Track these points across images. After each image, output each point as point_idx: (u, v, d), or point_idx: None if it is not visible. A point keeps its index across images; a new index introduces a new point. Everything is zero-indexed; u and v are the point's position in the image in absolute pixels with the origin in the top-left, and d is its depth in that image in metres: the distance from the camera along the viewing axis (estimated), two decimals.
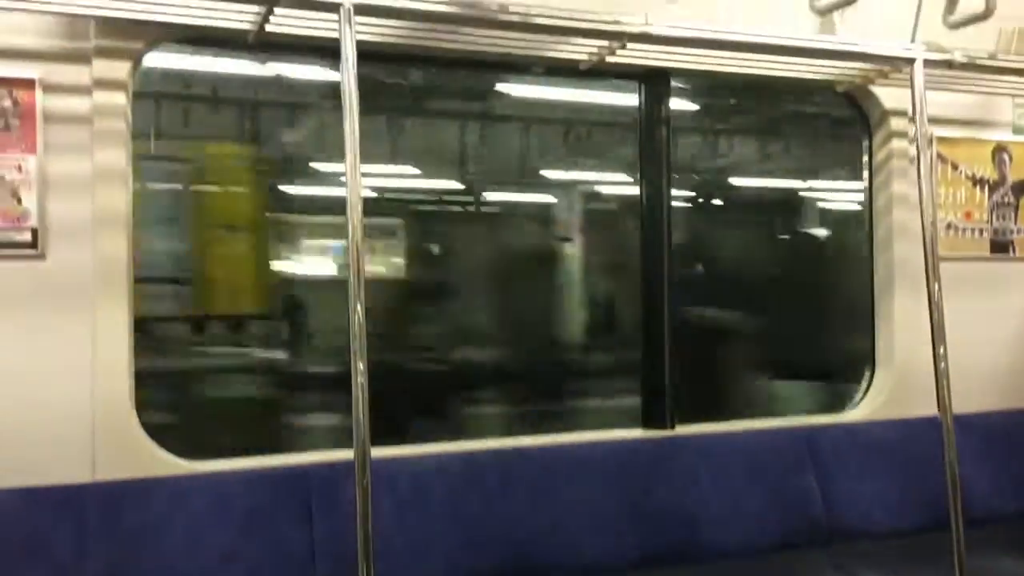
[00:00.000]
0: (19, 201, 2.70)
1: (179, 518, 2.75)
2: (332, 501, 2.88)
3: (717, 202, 5.58)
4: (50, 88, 2.72)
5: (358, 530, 2.45)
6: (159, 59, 3.02)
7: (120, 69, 2.78)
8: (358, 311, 2.48)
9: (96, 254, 2.76)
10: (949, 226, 4.01)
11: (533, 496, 3.15)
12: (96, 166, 2.76)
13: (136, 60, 2.82)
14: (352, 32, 2.56)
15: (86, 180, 2.75)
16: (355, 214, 2.51)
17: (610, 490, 3.26)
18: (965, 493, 3.23)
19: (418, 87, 4.31)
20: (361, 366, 2.46)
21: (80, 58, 2.75)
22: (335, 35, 2.57)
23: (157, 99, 3.81)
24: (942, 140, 3.95)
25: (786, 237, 5.57)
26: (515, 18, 2.87)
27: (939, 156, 3.95)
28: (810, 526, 3.50)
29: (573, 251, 5.17)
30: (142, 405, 2.85)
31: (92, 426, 2.75)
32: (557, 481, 3.20)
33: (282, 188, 4.49)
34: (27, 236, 2.71)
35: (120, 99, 2.79)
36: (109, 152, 2.77)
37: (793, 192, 5.66)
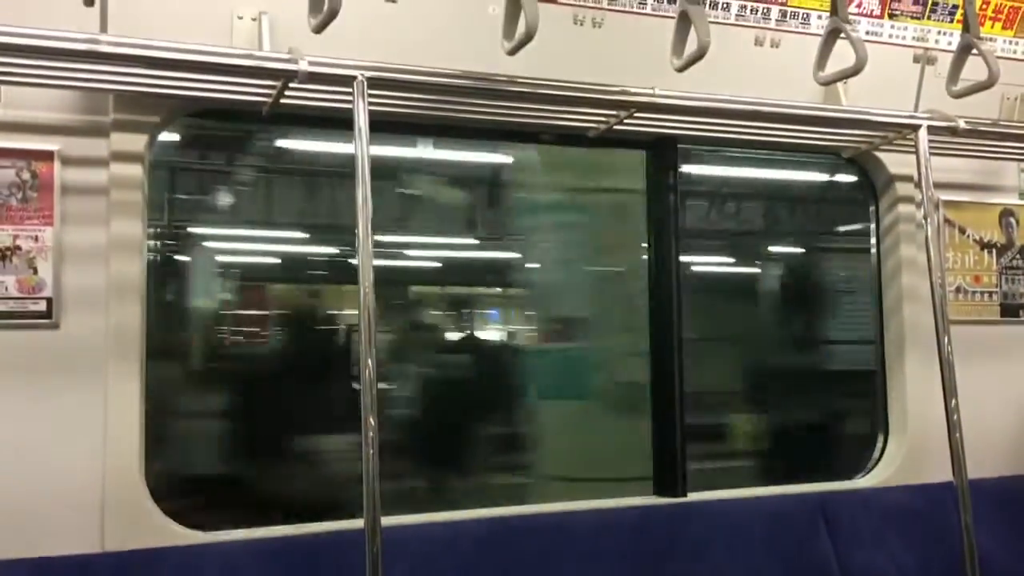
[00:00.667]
0: (35, 271, 2.73)
1: None
2: (343, 571, 2.85)
3: None
4: (68, 160, 2.77)
5: None
6: None
7: (137, 142, 2.83)
8: (369, 367, 2.49)
9: (109, 324, 2.78)
10: (958, 290, 4.01)
11: (546, 566, 3.11)
12: (112, 237, 2.79)
13: (153, 133, 2.87)
14: (365, 104, 2.62)
15: (101, 250, 2.78)
16: (367, 281, 2.54)
17: (624, 558, 3.22)
18: (982, 559, 3.19)
19: None
20: (372, 428, 2.46)
21: (98, 131, 2.80)
22: (349, 107, 2.62)
23: None
24: (949, 204, 3.99)
25: None
26: (525, 89, 2.93)
27: (946, 220, 3.98)
28: None
29: None
30: None
31: (102, 496, 2.74)
32: (570, 550, 3.17)
33: None
34: (42, 306, 2.73)
35: (137, 171, 2.83)
36: (125, 223, 2.81)
37: None
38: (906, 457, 3.82)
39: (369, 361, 2.50)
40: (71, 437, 2.74)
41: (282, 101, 2.81)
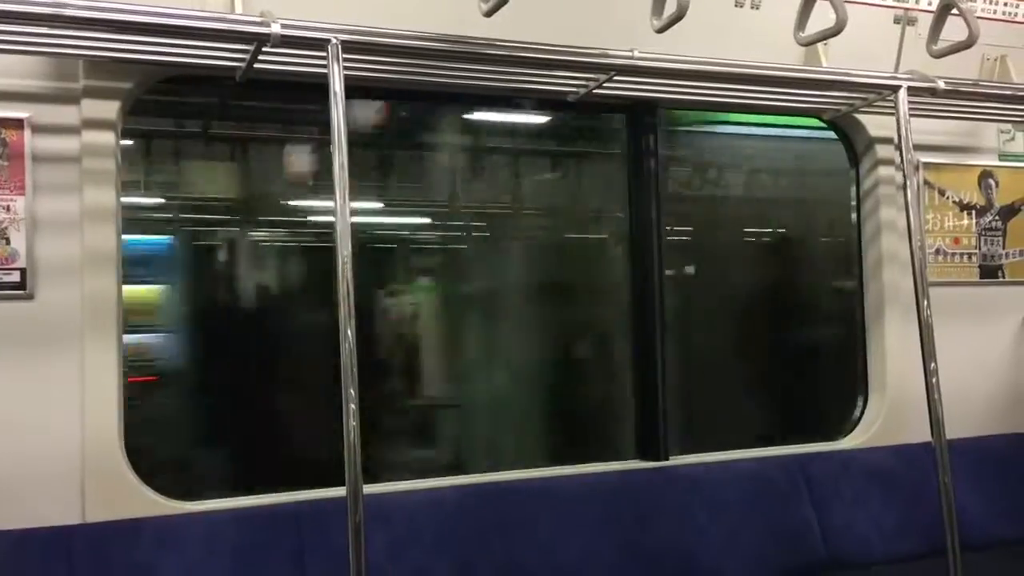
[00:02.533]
0: (7, 242, 2.70)
1: (169, 559, 2.72)
2: (324, 539, 2.86)
3: None
4: (39, 128, 2.73)
5: (351, 568, 2.42)
6: None
7: (109, 109, 2.78)
8: (348, 340, 2.47)
9: (85, 294, 2.75)
10: (938, 252, 4.03)
11: (528, 531, 3.12)
12: (85, 206, 2.75)
13: (125, 100, 2.83)
14: (340, 69, 2.57)
15: (75, 220, 2.75)
16: (344, 248, 2.51)
17: (605, 523, 3.24)
18: (961, 518, 3.23)
19: None
20: (352, 399, 2.45)
21: (69, 98, 2.75)
22: (324, 71, 2.58)
23: None
24: (928, 167, 3.99)
25: None
26: (503, 52, 2.89)
27: (926, 182, 3.99)
28: (808, 556, 3.48)
29: None
30: None
31: (82, 467, 2.72)
32: (552, 514, 3.18)
33: None
34: (15, 277, 2.70)
35: (109, 139, 2.79)
36: (98, 192, 2.77)
37: None
38: (886, 418, 3.85)
39: (349, 332, 2.48)
40: (49, 409, 2.72)
41: (256, 66, 2.77)
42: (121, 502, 2.75)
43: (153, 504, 2.80)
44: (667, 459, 3.53)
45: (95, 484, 2.73)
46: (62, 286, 2.74)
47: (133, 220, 3.02)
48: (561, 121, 3.90)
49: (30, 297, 2.71)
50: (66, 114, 2.75)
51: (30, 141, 2.72)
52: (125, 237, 2.87)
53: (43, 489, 2.69)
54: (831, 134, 4.02)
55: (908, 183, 3.32)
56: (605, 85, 3.19)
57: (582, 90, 3.25)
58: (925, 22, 3.57)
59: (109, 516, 2.72)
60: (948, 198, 4.08)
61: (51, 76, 2.74)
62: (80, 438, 2.72)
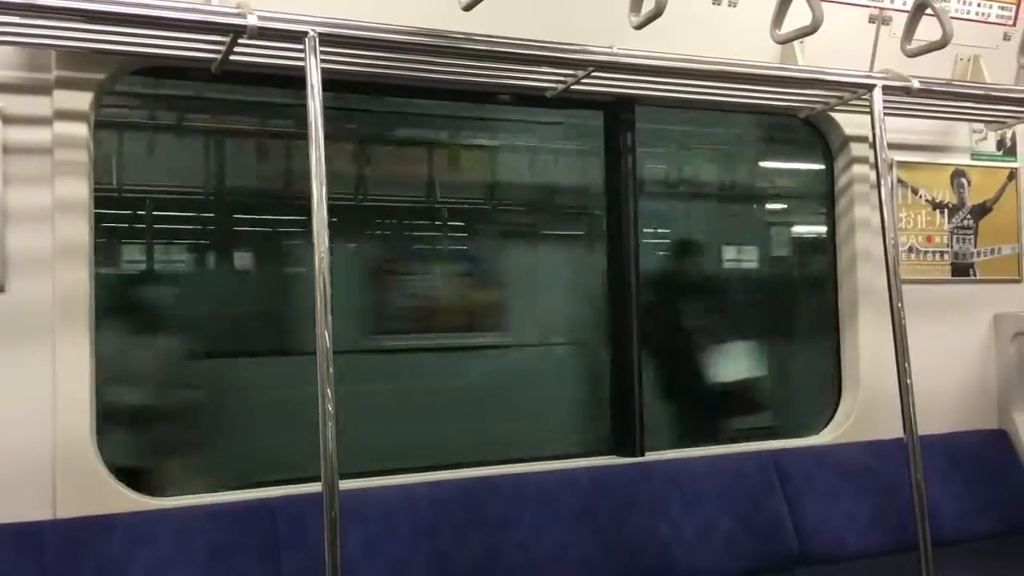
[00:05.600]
0: None
1: (142, 555, 2.69)
2: (299, 535, 2.84)
3: None
4: (10, 119, 2.69)
5: (327, 563, 2.41)
6: None
7: (82, 100, 2.75)
8: (325, 335, 2.46)
9: (57, 287, 2.71)
10: (911, 249, 4.07)
11: (503, 526, 3.12)
12: (57, 198, 2.72)
13: (98, 91, 2.79)
14: (317, 62, 2.56)
15: (47, 212, 2.71)
16: (321, 242, 2.49)
17: (582, 517, 3.25)
18: (932, 513, 3.27)
19: None
20: (329, 393, 2.43)
21: (41, 89, 2.72)
22: (301, 64, 2.56)
23: None
24: (902, 165, 4.03)
25: None
26: (481, 47, 2.88)
27: (900, 181, 4.02)
28: (781, 550, 3.51)
29: None
30: None
31: (53, 462, 2.69)
32: (528, 510, 3.18)
33: None
34: None
35: (82, 130, 2.75)
36: (70, 183, 2.74)
37: None
38: (859, 414, 3.88)
39: (325, 331, 2.47)
40: (20, 403, 2.69)
41: (232, 58, 2.74)
42: (93, 498, 2.72)
43: (125, 500, 2.77)
44: (643, 455, 3.54)
45: (67, 480, 2.70)
46: (34, 279, 2.70)
47: None
48: None
49: (1, 290, 2.67)
50: (38, 105, 2.72)
51: (1, 132, 2.68)
52: None
53: (14, 484, 2.66)
54: None
55: (882, 181, 3.35)
56: (583, 81, 3.19)
57: (560, 86, 3.25)
58: (900, 22, 3.59)
59: (81, 512, 2.69)
60: (921, 196, 4.12)
61: (23, 66, 2.71)
62: (52, 433, 2.69)
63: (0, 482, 2.64)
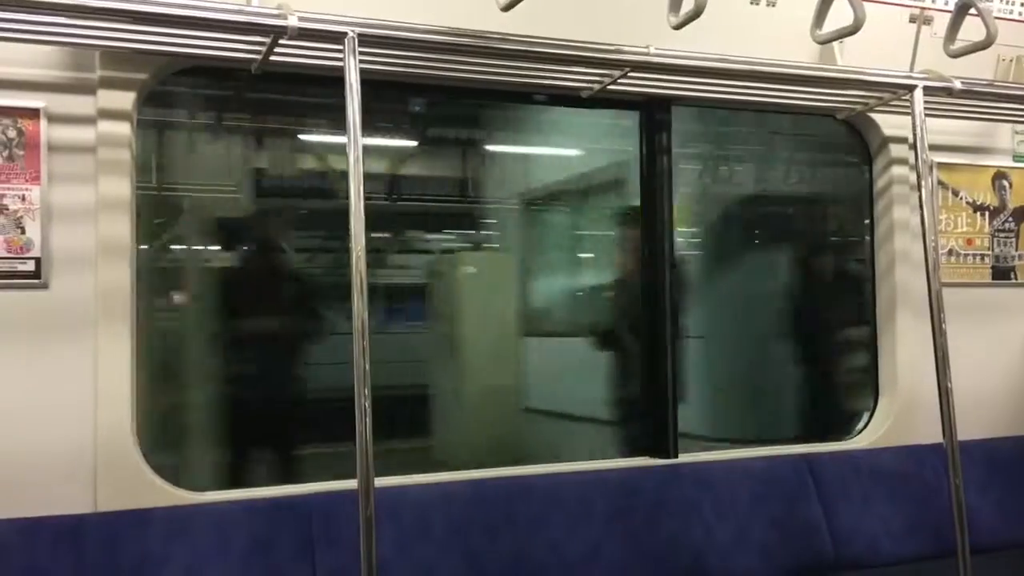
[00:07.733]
0: (23, 231, 2.70)
1: (180, 549, 2.73)
2: (334, 532, 2.86)
3: None
4: (55, 118, 2.73)
5: (362, 561, 2.43)
6: None
7: (125, 99, 2.79)
8: (361, 333, 2.46)
9: (99, 284, 2.75)
10: (951, 252, 4.02)
11: (537, 527, 3.13)
12: (100, 196, 2.76)
13: (141, 90, 2.83)
14: (356, 62, 2.57)
15: (90, 210, 2.75)
16: (358, 245, 2.51)
17: (614, 519, 3.24)
18: (971, 520, 3.21)
19: None
20: (365, 391, 2.45)
21: (85, 88, 2.76)
22: (340, 64, 2.58)
23: None
24: (942, 167, 3.98)
25: None
26: (517, 47, 2.88)
27: (940, 183, 3.97)
28: (816, 555, 3.47)
29: None
30: None
31: (94, 456, 2.73)
32: (561, 511, 3.18)
33: None
34: (30, 266, 2.70)
35: (125, 129, 2.79)
36: (113, 182, 2.77)
37: None
38: (896, 419, 3.84)
39: (361, 328, 2.48)
40: (62, 398, 2.72)
41: (272, 58, 2.77)
42: (133, 492, 2.76)
43: (165, 494, 2.80)
44: (676, 456, 3.52)
45: (107, 473, 2.74)
46: (76, 276, 2.74)
47: None
48: None
49: (44, 286, 2.72)
50: (82, 104, 2.76)
51: (46, 131, 2.72)
52: None
53: (55, 478, 2.70)
54: None
55: (923, 183, 3.31)
56: (619, 81, 3.18)
57: (596, 86, 3.25)
58: (940, 21, 3.55)
59: (121, 506, 2.73)
60: (961, 198, 4.07)
61: (68, 66, 2.74)
62: (93, 427, 2.73)
63: (42, 475, 2.69)
